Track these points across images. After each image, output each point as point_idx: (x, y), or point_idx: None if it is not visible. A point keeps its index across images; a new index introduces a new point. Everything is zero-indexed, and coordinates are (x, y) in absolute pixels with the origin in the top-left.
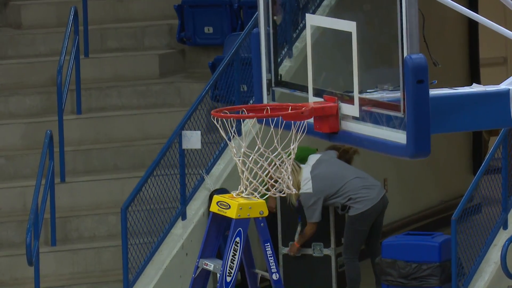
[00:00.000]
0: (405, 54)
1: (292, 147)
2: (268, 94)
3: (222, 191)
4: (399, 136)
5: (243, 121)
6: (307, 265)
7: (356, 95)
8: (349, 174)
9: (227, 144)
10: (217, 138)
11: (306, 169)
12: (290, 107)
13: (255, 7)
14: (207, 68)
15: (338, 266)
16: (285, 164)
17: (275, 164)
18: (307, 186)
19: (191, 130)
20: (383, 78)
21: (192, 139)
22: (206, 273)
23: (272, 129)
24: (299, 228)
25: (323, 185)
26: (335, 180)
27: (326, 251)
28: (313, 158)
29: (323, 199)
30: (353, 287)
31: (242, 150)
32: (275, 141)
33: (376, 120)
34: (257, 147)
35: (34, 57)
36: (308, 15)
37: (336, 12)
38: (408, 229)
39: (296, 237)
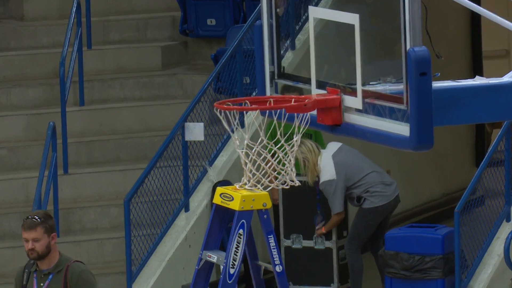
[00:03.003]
0: (408, 47)
1: (295, 139)
2: (271, 86)
3: (225, 183)
4: (402, 129)
5: (246, 113)
6: (309, 257)
7: (359, 87)
8: (368, 166)
9: (230, 136)
10: (220, 130)
11: (326, 155)
12: (293, 99)
13: None
14: (209, 60)
15: (340, 259)
16: (288, 156)
17: (278, 156)
18: (330, 173)
19: (194, 122)
20: (386, 71)
21: (195, 131)
22: (209, 265)
23: (275, 121)
24: (319, 218)
25: (346, 172)
26: (357, 170)
27: (328, 244)
28: (333, 146)
29: (344, 188)
30: (356, 279)
31: (245, 142)
32: (278, 133)
33: (379, 112)
34: (260, 139)
35: (37, 49)
36: (311, 7)
37: (339, 4)
38: (411, 222)
39: (317, 227)
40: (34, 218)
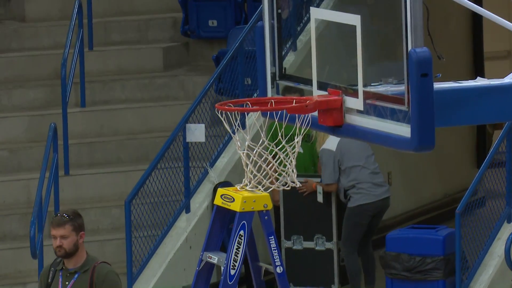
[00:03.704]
0: (409, 48)
1: (296, 140)
2: (272, 87)
3: (226, 184)
4: (403, 130)
5: (247, 114)
6: (310, 258)
7: (360, 88)
8: (366, 162)
9: (231, 137)
10: (221, 131)
11: None
12: (294, 101)
13: (259, 0)
14: (211, 61)
15: (340, 260)
16: (289, 157)
17: (279, 157)
18: (332, 144)
19: (195, 123)
20: (387, 72)
21: (196, 132)
22: (210, 266)
23: (276, 122)
24: (319, 189)
25: (344, 155)
26: (353, 156)
27: (328, 245)
28: None
29: (337, 165)
30: (355, 280)
31: (246, 143)
32: (279, 134)
33: (380, 113)
34: (261, 140)
35: (38, 50)
36: (312, 9)
37: (340, 5)
38: (412, 223)
39: (319, 198)
40: (63, 216)
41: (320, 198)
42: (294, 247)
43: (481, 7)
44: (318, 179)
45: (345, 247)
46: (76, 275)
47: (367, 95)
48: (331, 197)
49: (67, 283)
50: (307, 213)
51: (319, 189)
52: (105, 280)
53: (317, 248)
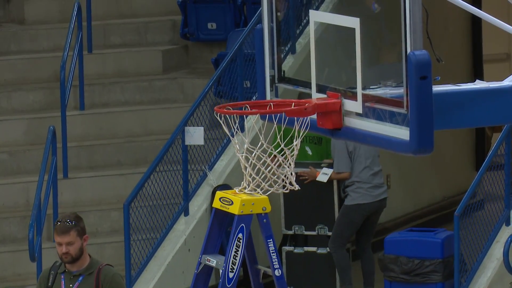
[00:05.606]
0: (408, 50)
1: (295, 143)
2: (271, 90)
3: (224, 187)
4: (402, 132)
5: (246, 117)
6: (311, 262)
7: (359, 91)
8: (371, 161)
9: (230, 140)
10: (220, 134)
11: None
12: (293, 103)
13: (258, 2)
14: (210, 64)
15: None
16: (288, 160)
17: (278, 160)
18: None
19: (194, 126)
20: (386, 74)
21: (195, 135)
22: (208, 269)
23: (275, 125)
24: (324, 170)
25: (357, 146)
26: (366, 153)
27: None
28: None
29: (350, 155)
30: (344, 275)
31: (245, 146)
32: (278, 137)
33: (379, 116)
34: (260, 143)
35: (37, 52)
36: (311, 11)
37: (339, 8)
38: (411, 225)
39: (322, 178)
40: (67, 222)
41: (324, 178)
42: (295, 251)
43: (480, 9)
44: (321, 170)
45: (335, 243)
46: (80, 278)
47: (366, 98)
48: (333, 186)
49: (71, 285)
50: (308, 202)
51: (325, 170)
52: (112, 283)
53: (318, 251)
